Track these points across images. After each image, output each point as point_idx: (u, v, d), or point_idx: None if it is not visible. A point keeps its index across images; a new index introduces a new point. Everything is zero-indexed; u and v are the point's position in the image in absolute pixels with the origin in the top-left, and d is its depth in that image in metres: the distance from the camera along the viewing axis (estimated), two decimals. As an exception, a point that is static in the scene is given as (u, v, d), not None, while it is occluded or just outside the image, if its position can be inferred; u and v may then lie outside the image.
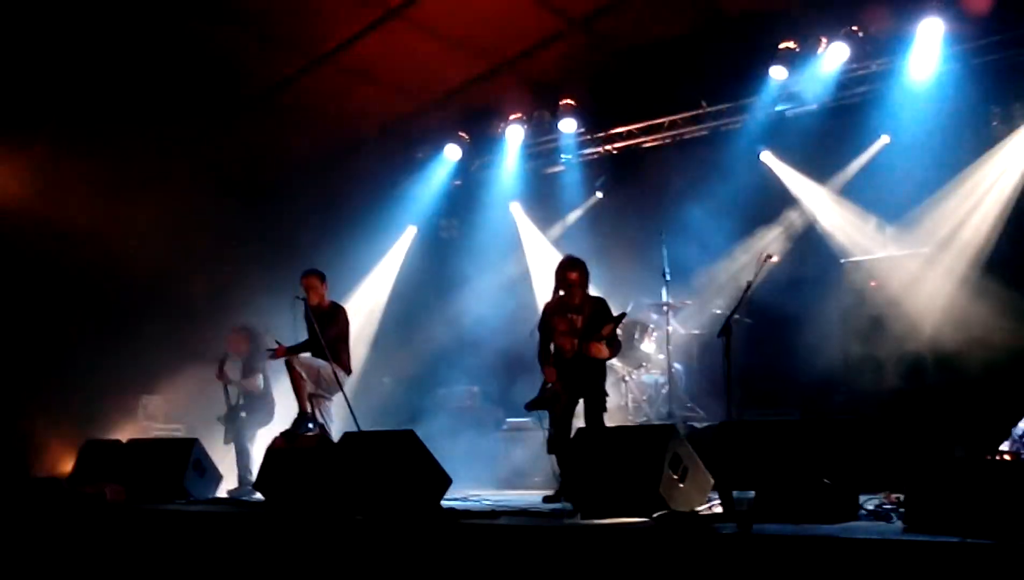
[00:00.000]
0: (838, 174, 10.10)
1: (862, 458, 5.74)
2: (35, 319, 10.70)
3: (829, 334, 9.08)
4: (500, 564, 5.36)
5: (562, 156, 11.98)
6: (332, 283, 9.13)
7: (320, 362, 8.41)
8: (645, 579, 4.78)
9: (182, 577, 6.43)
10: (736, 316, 7.88)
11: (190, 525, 6.94)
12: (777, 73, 9.85)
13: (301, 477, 7.18)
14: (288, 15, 9.56)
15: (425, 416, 10.06)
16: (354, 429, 7.90)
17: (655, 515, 5.44)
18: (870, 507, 5.52)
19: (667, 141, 11.23)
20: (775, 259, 7.86)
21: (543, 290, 8.53)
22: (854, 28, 9.47)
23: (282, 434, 8.09)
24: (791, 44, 9.69)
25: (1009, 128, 9.05)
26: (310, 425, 8.31)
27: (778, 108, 10.30)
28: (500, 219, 12.43)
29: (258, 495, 7.86)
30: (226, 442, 9.33)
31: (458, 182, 12.66)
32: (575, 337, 7.65)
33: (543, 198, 12.34)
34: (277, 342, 8.63)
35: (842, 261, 9.44)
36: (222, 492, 8.63)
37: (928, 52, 9.12)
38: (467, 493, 7.80)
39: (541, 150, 12.03)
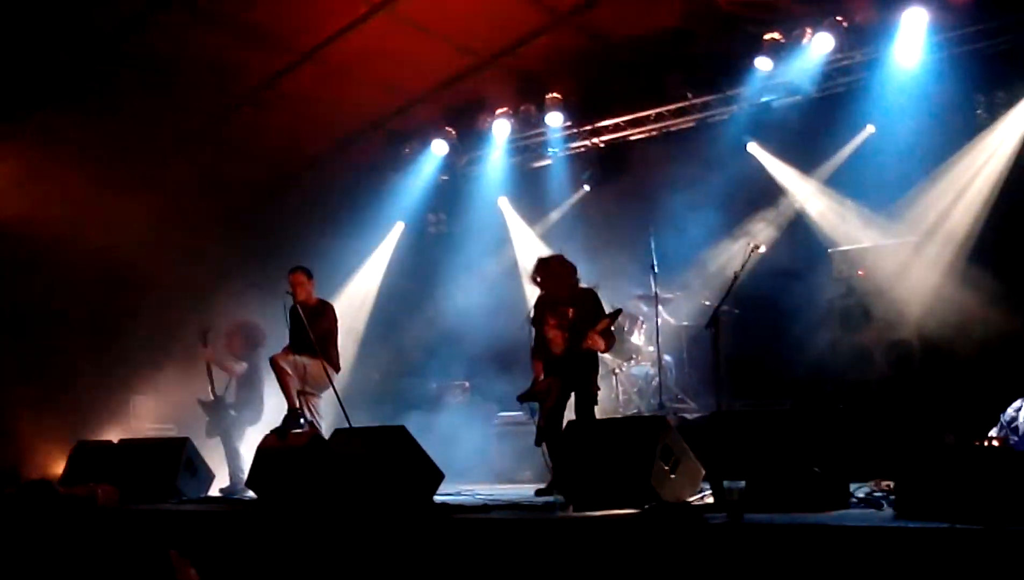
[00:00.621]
0: (824, 164, 10.13)
1: (852, 446, 5.77)
2: (23, 320, 10.67)
3: (817, 323, 9.13)
4: (493, 558, 5.38)
5: (549, 150, 11.99)
6: (320, 280, 9.13)
7: (308, 359, 8.39)
8: (637, 570, 4.81)
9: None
10: (724, 307, 7.93)
11: (183, 525, 6.94)
12: (762, 64, 9.86)
13: (293, 474, 7.19)
14: (272, 12, 9.52)
15: (416, 411, 10.05)
16: (345, 426, 7.90)
17: (646, 506, 5.47)
18: (861, 495, 5.56)
19: (654, 133, 11.25)
20: (762, 249, 7.90)
21: (532, 285, 8.53)
22: (839, 18, 9.49)
23: (273, 431, 8.07)
24: (776, 35, 9.70)
25: (993, 116, 9.09)
26: (301, 422, 8.29)
27: (764, 99, 10.33)
28: (488, 214, 12.44)
29: (250, 493, 7.87)
30: (208, 435, 9.26)
31: (445, 177, 12.65)
32: (566, 331, 7.67)
33: (531, 192, 12.34)
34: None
35: (829, 250, 9.47)
36: (215, 491, 8.63)
37: (912, 41, 9.15)
38: (460, 488, 7.81)
39: (528, 144, 12.04)
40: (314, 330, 8.40)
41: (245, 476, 8.08)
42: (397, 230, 12.92)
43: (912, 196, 9.30)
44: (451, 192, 12.75)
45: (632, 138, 11.44)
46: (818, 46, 9.57)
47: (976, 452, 5.77)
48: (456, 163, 12.49)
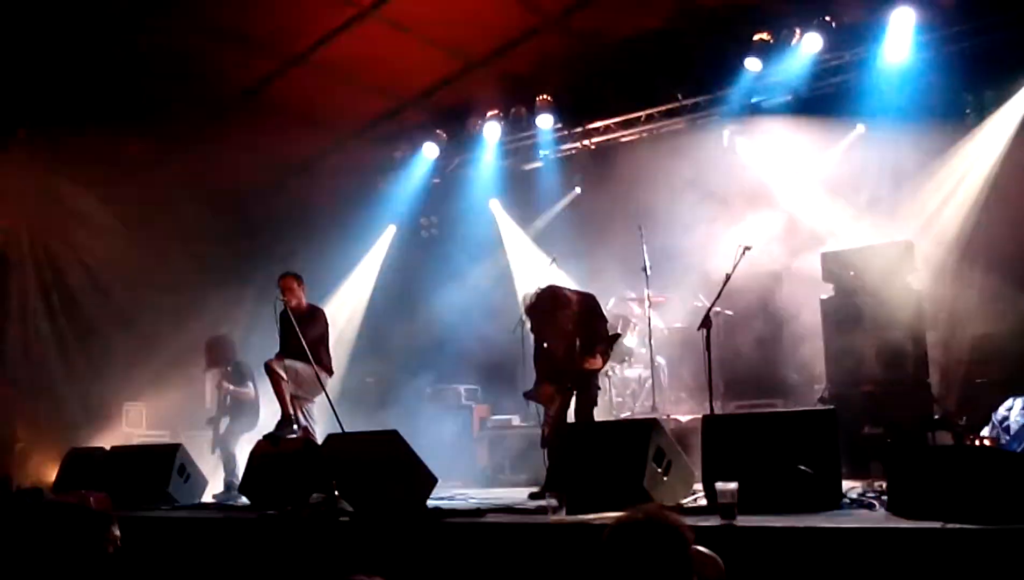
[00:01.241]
0: (814, 164, 10.14)
1: (844, 447, 5.78)
2: (13, 327, 10.64)
3: (809, 324, 9.13)
4: (487, 561, 5.38)
5: (540, 152, 11.98)
6: (312, 285, 9.11)
7: (300, 364, 8.38)
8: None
9: (169, 584, 6.42)
10: (716, 308, 7.93)
11: (176, 531, 6.93)
12: (752, 64, 9.87)
13: (286, 479, 7.18)
14: (261, 15, 9.51)
15: (409, 415, 10.04)
16: (338, 430, 7.89)
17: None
18: (853, 496, 5.57)
19: (644, 135, 11.25)
20: (753, 251, 7.89)
21: (524, 287, 8.53)
22: (827, 18, 9.52)
23: (266, 437, 8.06)
24: (765, 35, 9.73)
25: (982, 115, 9.12)
26: (294, 427, 8.29)
27: (754, 99, 10.33)
28: (480, 216, 12.44)
29: (243, 499, 7.85)
30: (214, 451, 9.30)
31: (437, 180, 12.64)
32: (566, 339, 7.61)
33: (522, 194, 12.34)
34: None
35: (820, 251, 9.48)
36: (208, 497, 8.61)
37: (901, 41, 9.17)
38: (453, 492, 7.81)
39: (519, 146, 12.03)
40: (306, 335, 8.38)
41: (238, 482, 8.07)
42: (389, 233, 12.91)
43: (902, 196, 9.31)
44: (442, 195, 12.75)
45: (623, 140, 11.44)
46: (807, 46, 9.59)
47: (968, 452, 5.80)
48: (447, 166, 12.49)
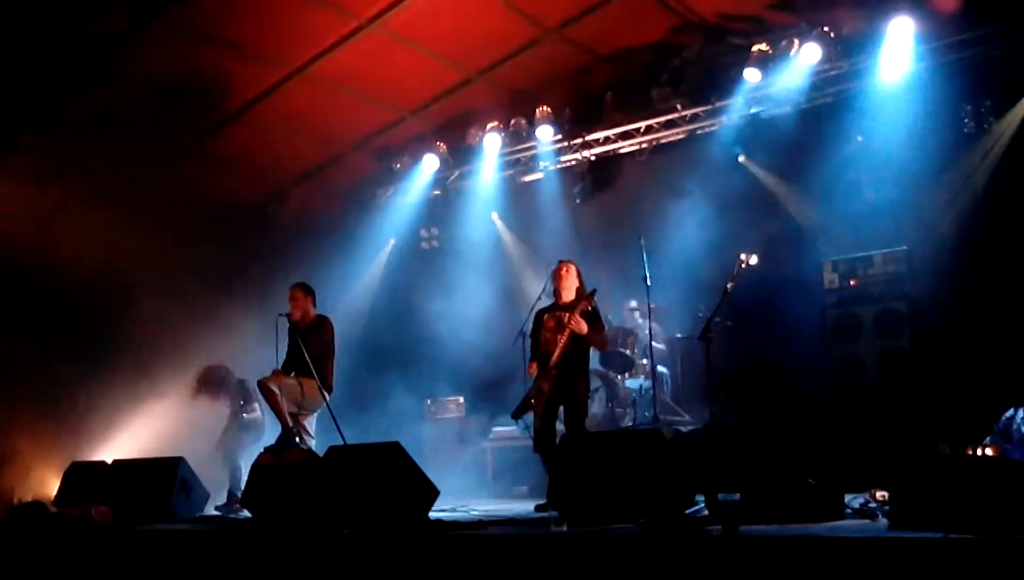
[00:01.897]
0: (814, 174, 10.14)
1: (846, 457, 5.79)
2: (16, 340, 10.63)
3: (810, 333, 9.15)
4: (489, 574, 5.37)
5: (540, 163, 12.00)
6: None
7: (303, 379, 8.35)
8: (634, 584, 4.81)
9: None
10: (717, 319, 7.95)
11: (178, 545, 6.92)
12: (751, 76, 9.90)
13: (288, 492, 7.17)
14: (262, 28, 9.54)
15: (410, 427, 10.04)
16: (340, 442, 7.88)
17: (642, 520, 5.47)
18: (855, 506, 5.57)
19: (644, 146, 11.27)
20: (754, 261, 7.92)
21: (525, 298, 8.55)
22: (826, 29, 9.54)
23: (267, 450, 8.04)
24: (764, 46, 9.75)
25: (981, 125, 9.12)
26: (296, 442, 8.27)
27: (753, 110, 10.35)
28: (481, 228, 12.44)
29: (245, 512, 7.84)
30: (218, 450, 9.33)
31: (437, 192, 12.66)
32: (561, 334, 7.68)
33: (522, 206, 12.35)
34: None
35: (820, 261, 9.49)
36: (210, 510, 8.60)
37: (899, 51, 9.19)
38: (455, 504, 7.80)
39: (519, 158, 12.05)
40: (311, 346, 8.36)
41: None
42: (389, 246, 12.93)
43: (902, 205, 9.32)
44: (442, 207, 12.76)
45: (622, 151, 11.46)
46: (806, 57, 9.61)
47: (970, 461, 5.80)
48: (448, 178, 12.50)
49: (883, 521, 5.16)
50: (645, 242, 9.70)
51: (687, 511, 6.00)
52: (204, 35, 9.48)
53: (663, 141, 11.14)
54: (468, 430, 10.71)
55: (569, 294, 7.89)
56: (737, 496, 4.99)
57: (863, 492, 6.08)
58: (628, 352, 10.05)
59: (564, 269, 7.96)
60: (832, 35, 9.56)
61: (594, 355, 8.52)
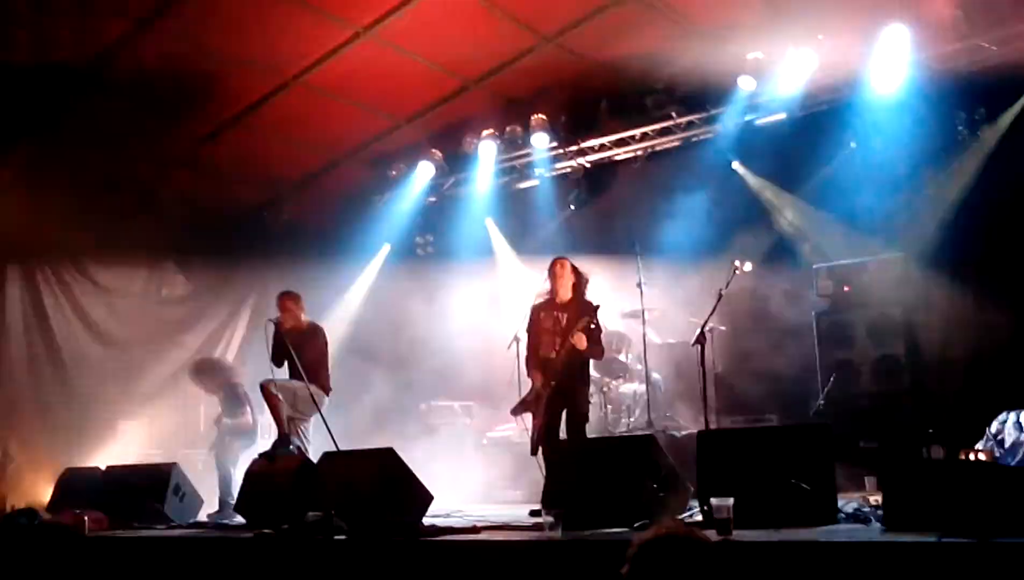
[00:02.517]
0: (808, 181, 10.17)
1: (840, 462, 5.80)
2: (9, 346, 10.63)
3: (804, 339, 9.17)
4: (484, 579, 5.37)
5: (536, 171, 12.01)
6: (307, 303, 9.06)
7: (297, 383, 8.38)
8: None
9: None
10: (711, 324, 7.97)
11: (172, 550, 6.91)
12: (746, 83, 9.93)
13: (281, 498, 7.16)
14: (257, 36, 9.54)
15: (405, 432, 10.03)
16: (333, 448, 7.88)
17: (637, 525, 5.47)
18: (849, 510, 5.58)
19: (639, 153, 11.29)
20: (748, 267, 7.94)
21: (519, 305, 8.56)
22: (820, 37, 9.56)
23: (261, 455, 8.05)
24: (759, 54, 9.78)
25: (974, 132, 9.15)
26: (291, 447, 8.28)
27: (748, 118, 10.37)
28: (475, 235, 12.45)
29: (239, 518, 7.83)
30: (211, 451, 9.33)
31: (433, 199, 12.66)
32: (559, 335, 7.70)
33: (517, 213, 12.36)
34: None
35: (814, 267, 9.52)
36: (203, 516, 8.58)
37: (894, 59, 9.21)
38: (450, 509, 7.80)
39: (514, 165, 12.05)
40: (306, 353, 8.39)
41: (234, 501, 8.05)
42: (384, 253, 12.93)
43: (896, 211, 9.34)
44: (438, 214, 12.77)
45: (617, 158, 11.48)
46: (800, 65, 9.63)
47: (963, 466, 5.81)
48: (443, 185, 12.51)
49: (876, 525, 5.17)
50: (640, 248, 9.75)
51: (681, 516, 6.02)
52: (200, 44, 9.48)
53: (658, 148, 11.16)
54: (462, 435, 10.70)
55: (566, 292, 7.90)
56: (731, 501, 5.00)
57: (856, 496, 6.10)
58: (622, 358, 10.06)
59: (560, 266, 7.96)
60: (826, 43, 9.58)
61: (589, 359, 8.53)
